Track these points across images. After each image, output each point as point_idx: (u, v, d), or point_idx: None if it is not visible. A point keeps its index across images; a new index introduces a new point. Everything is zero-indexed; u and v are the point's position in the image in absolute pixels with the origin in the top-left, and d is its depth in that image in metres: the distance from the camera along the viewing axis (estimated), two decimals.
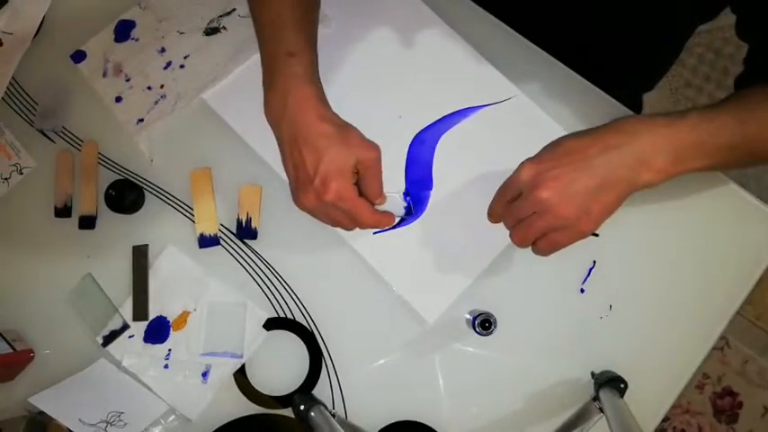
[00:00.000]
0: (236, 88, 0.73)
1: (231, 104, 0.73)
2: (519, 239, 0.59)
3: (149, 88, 0.74)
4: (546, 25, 0.72)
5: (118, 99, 0.74)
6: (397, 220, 0.66)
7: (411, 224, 0.68)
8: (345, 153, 0.58)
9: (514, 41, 0.72)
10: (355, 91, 0.68)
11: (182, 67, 0.74)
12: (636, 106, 0.94)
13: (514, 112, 0.69)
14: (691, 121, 0.56)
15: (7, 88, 0.77)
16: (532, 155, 0.60)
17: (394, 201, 0.67)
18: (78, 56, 0.76)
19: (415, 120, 0.70)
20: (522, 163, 0.58)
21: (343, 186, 0.58)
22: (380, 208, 0.65)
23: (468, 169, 0.69)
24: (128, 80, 0.75)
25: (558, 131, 0.68)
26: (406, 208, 0.68)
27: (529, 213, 0.57)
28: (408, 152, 0.69)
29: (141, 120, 0.73)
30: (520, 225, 0.59)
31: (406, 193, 0.68)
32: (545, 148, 0.60)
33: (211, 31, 0.75)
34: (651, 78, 0.97)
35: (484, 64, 0.71)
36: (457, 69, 0.71)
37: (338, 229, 0.68)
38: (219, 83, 0.73)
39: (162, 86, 0.74)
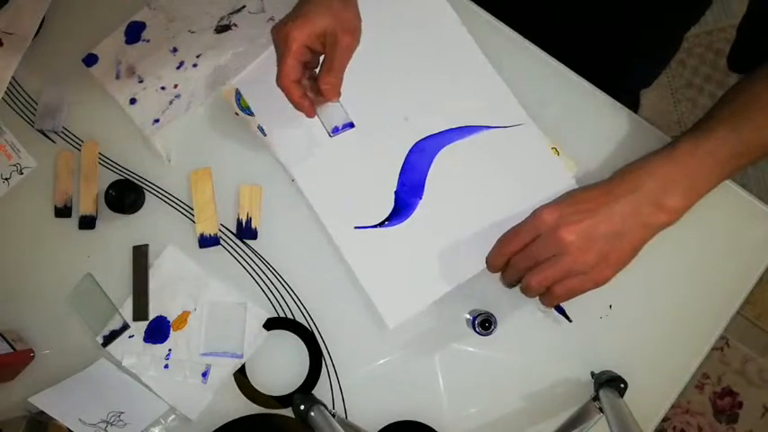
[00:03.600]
0: (251, 81, 0.72)
1: (256, 94, 0.72)
2: (536, 282, 0.57)
3: (163, 88, 0.74)
4: (543, 21, 0.72)
5: (132, 101, 0.74)
6: (327, 129, 0.65)
7: (393, 227, 0.68)
8: (325, 16, 0.59)
9: (514, 42, 0.72)
10: (366, 84, 0.68)
11: (194, 66, 0.74)
12: (633, 104, 0.94)
13: (520, 140, 0.68)
14: (686, 149, 0.56)
15: (7, 88, 0.77)
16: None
17: (336, 110, 0.65)
18: (90, 59, 0.76)
19: (421, 125, 0.69)
20: (542, 207, 0.58)
21: (298, 37, 0.58)
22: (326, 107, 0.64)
23: (461, 188, 0.68)
24: (141, 81, 0.75)
25: (558, 166, 0.67)
26: (347, 125, 0.65)
27: (548, 256, 0.56)
28: (406, 157, 0.69)
29: (157, 120, 0.73)
30: (538, 268, 0.56)
31: (350, 125, 0.66)
32: (560, 198, 0.59)
33: (222, 29, 0.75)
34: (650, 72, 0.97)
35: (500, 84, 0.69)
36: (472, 83, 0.70)
37: (326, 225, 0.68)
38: (237, 77, 0.73)
39: (176, 86, 0.74)
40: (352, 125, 0.65)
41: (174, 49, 0.75)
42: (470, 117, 0.69)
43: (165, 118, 0.73)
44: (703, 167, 0.55)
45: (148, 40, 0.76)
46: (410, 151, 0.69)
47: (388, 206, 0.68)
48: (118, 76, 0.75)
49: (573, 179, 0.67)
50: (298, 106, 0.62)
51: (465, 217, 0.67)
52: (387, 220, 0.68)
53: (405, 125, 0.69)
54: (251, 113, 0.70)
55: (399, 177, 0.69)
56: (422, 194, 0.68)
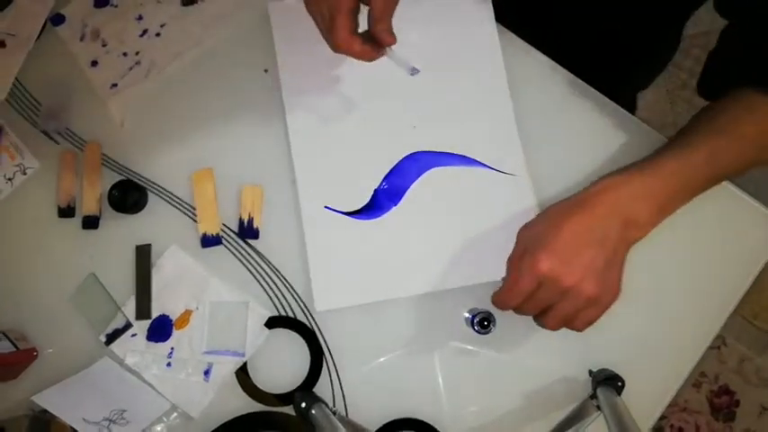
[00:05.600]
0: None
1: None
2: (555, 324, 0.59)
3: (125, 54, 0.76)
4: (543, 24, 0.72)
5: (93, 63, 0.76)
6: (398, 67, 0.63)
7: (361, 221, 0.69)
8: None
9: (516, 45, 0.73)
10: (391, 79, 0.69)
11: (157, 35, 0.76)
12: (630, 105, 0.95)
13: (510, 190, 0.68)
14: (666, 171, 0.58)
15: (11, 89, 0.77)
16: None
17: (397, 59, 0.63)
18: (57, 19, 0.78)
19: (425, 137, 0.70)
20: (535, 254, 0.57)
21: None
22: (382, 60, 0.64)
23: (437, 210, 0.69)
24: (104, 45, 0.76)
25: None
26: (412, 69, 0.63)
27: (557, 300, 0.57)
28: (399, 162, 0.70)
29: (115, 84, 0.75)
30: (552, 314, 0.58)
31: (413, 69, 0.63)
32: (543, 229, 0.59)
33: (188, 2, 0.77)
34: (647, 74, 0.97)
35: (514, 132, 0.69)
36: (489, 119, 0.70)
37: (299, 194, 0.69)
38: (201, 47, 0.74)
39: (137, 53, 0.76)
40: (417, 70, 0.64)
41: (140, 17, 0.77)
42: (474, 150, 0.69)
43: (124, 83, 0.75)
44: (679, 190, 0.58)
45: (116, 6, 0.78)
46: (405, 157, 0.70)
47: (364, 200, 0.69)
48: (82, 39, 0.77)
49: None
50: (362, 57, 0.63)
51: (430, 238, 0.68)
52: (357, 212, 0.69)
53: (411, 133, 0.70)
54: None
55: (385, 177, 0.69)
56: (399, 201, 0.69)
